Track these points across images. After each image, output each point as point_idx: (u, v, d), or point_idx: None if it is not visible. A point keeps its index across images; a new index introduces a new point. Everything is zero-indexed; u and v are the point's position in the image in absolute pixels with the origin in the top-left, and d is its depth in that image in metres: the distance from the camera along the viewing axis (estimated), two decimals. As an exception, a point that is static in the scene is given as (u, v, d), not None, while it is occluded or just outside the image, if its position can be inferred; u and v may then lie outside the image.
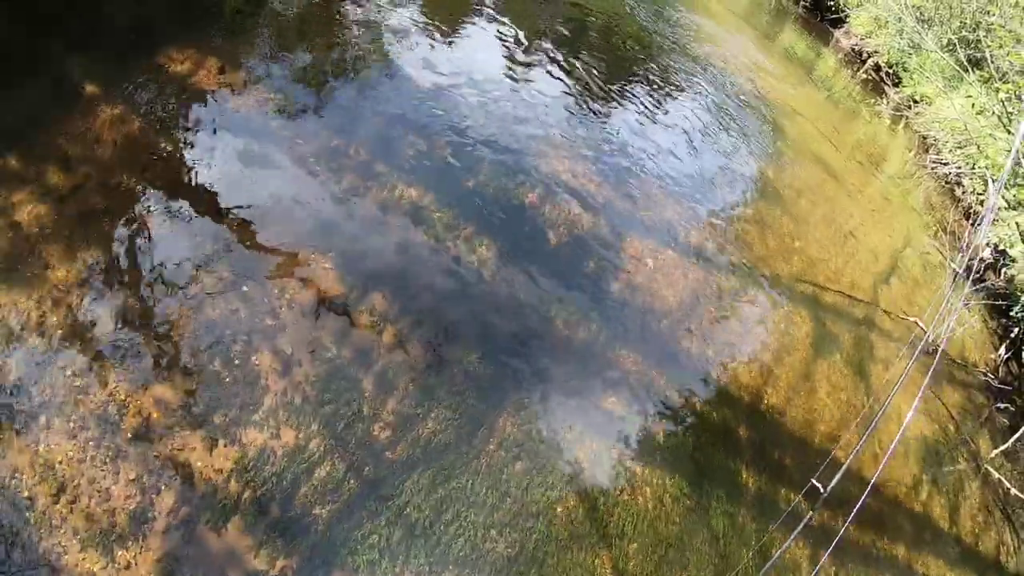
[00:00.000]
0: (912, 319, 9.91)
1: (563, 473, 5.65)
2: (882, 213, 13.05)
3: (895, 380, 8.29)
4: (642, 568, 5.33)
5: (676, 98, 12.45)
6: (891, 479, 7.42)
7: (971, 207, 14.50)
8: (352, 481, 4.93)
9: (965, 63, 14.99)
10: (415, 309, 6.29)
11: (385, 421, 5.35)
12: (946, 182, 15.68)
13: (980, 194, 14.39)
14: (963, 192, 15.12)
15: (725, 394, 7.16)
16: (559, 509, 5.41)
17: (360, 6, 10.24)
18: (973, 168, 14.80)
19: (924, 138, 17.09)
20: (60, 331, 4.96)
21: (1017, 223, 11.45)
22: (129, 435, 4.61)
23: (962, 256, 12.03)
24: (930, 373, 6.17)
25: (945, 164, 15.62)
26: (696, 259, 8.62)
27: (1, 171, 5.82)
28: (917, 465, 7.79)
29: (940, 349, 8.59)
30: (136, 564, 4.11)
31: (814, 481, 3.88)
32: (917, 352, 5.69)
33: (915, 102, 17.97)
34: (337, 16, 9.92)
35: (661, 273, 8.06)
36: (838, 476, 3.71)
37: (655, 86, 12.40)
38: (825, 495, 3.71)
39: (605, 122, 10.51)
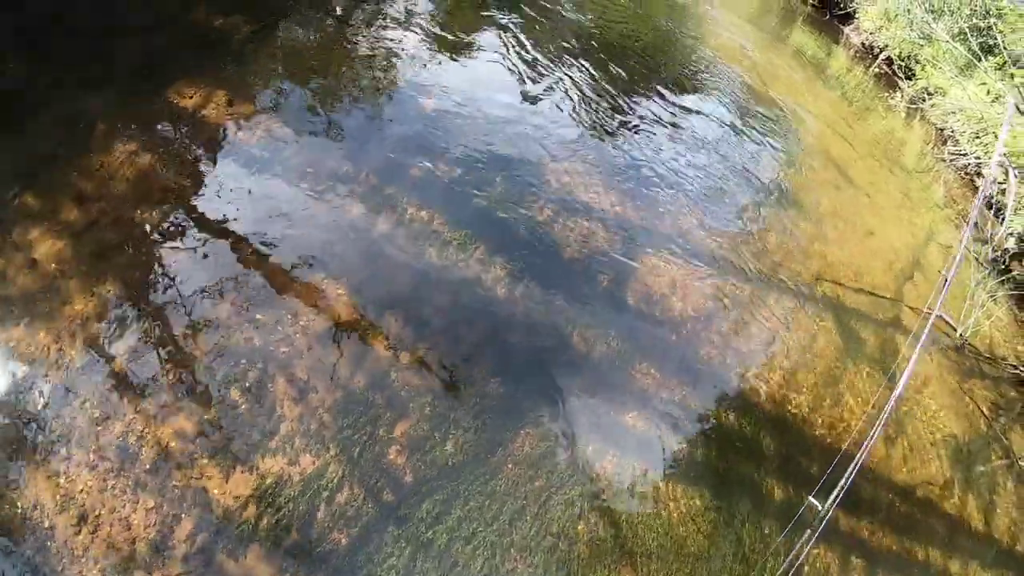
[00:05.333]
0: (938, 314, 9.70)
1: (583, 490, 5.59)
2: (902, 209, 12.83)
3: (910, 374, 8.13)
4: (667, 583, 5.26)
5: (688, 107, 12.37)
6: (923, 479, 7.24)
7: (993, 197, 14.22)
8: (370, 505, 4.92)
9: (977, 51, 14.79)
10: (430, 331, 6.28)
11: (402, 444, 5.34)
12: (966, 173, 15.41)
13: (1001, 183, 14.11)
14: (983, 182, 14.84)
15: (748, 404, 7.04)
16: (580, 527, 5.35)
17: (368, 30, 10.33)
18: (992, 157, 14.55)
19: (941, 130, 16.84)
20: (78, 364, 5.04)
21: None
22: (147, 465, 4.66)
23: (986, 247, 11.82)
24: (931, 352, 6.01)
25: (964, 155, 15.36)
26: (713, 267, 8.52)
27: (18, 209, 5.97)
28: (949, 464, 7.59)
29: (966, 342, 8.39)
30: (157, 596, 4.14)
31: (811, 499, 3.78)
32: (923, 339, 5.50)
33: (929, 94, 17.72)
34: (345, 42, 10.02)
35: (678, 283, 7.98)
36: (835, 494, 3.62)
37: (666, 98, 12.33)
38: (824, 514, 3.62)
39: (616, 135, 10.47)
